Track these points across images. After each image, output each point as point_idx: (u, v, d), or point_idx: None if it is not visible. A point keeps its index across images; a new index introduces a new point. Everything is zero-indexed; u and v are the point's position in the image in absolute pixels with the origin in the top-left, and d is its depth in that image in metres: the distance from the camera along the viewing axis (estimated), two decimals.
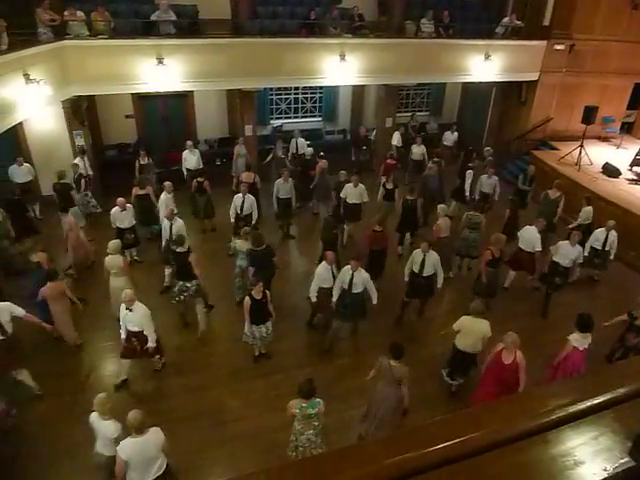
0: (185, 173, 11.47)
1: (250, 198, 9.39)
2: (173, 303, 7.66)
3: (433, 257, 7.54)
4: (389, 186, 10.40)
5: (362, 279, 7.06)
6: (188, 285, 7.37)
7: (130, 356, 6.56)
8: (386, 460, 1.01)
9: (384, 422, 5.51)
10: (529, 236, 8.54)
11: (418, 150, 12.86)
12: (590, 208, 9.72)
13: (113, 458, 4.48)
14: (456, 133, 14.15)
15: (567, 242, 8.18)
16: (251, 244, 7.71)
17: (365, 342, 7.80)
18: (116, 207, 8.78)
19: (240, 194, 9.36)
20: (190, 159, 11.47)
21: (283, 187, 10.23)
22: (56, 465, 5.60)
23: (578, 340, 6.00)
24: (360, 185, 9.84)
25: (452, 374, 6.76)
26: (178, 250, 7.31)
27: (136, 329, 6.33)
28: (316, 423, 5.05)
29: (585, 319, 6.01)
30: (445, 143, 14.20)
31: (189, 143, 11.59)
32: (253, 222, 9.32)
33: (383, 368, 5.44)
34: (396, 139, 13.83)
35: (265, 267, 7.65)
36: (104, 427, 4.76)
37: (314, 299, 7.32)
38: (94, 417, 4.81)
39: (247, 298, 6.59)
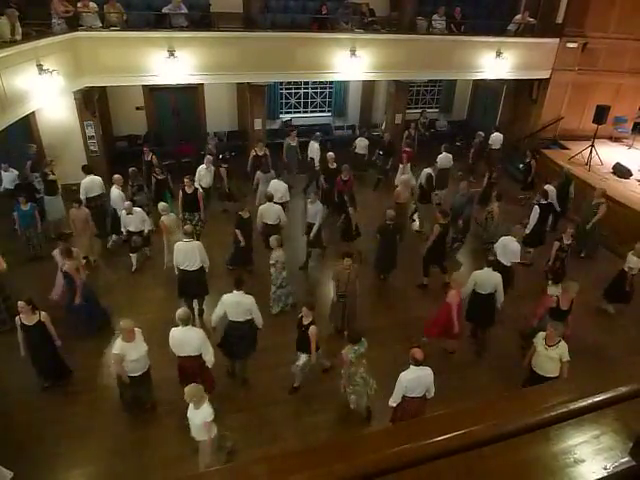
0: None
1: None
2: None
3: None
4: None
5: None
6: None
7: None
8: (387, 450, 1.04)
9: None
10: None
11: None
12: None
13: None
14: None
15: None
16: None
17: (384, 335, 7.75)
18: (123, 211, 8.74)
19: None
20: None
21: None
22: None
23: (554, 290, 7.04)
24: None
25: None
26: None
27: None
28: (364, 361, 5.89)
29: (560, 273, 7.63)
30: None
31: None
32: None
33: (341, 272, 7.09)
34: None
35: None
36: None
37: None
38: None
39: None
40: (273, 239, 7.65)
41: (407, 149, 12.28)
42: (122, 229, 8.87)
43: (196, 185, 9.78)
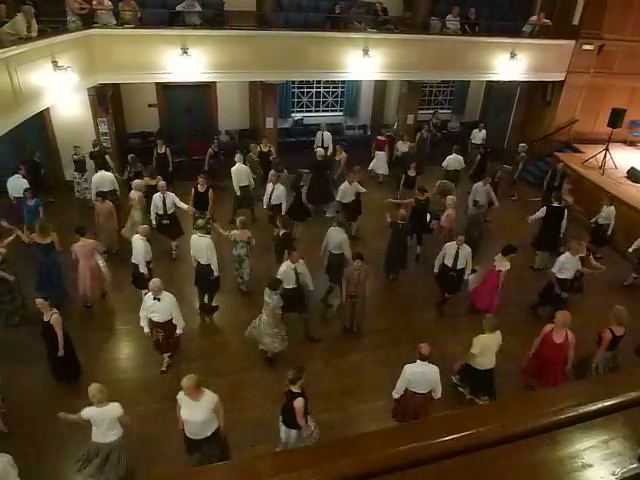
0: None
1: (280, 188, 9.52)
2: None
3: (466, 250, 7.81)
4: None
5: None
6: None
7: (157, 348, 6.68)
8: (393, 448, 1.03)
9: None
10: None
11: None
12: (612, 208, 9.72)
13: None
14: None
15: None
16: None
17: (391, 336, 7.81)
18: (136, 235, 7.69)
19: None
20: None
21: None
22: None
23: (498, 261, 7.71)
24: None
25: (475, 393, 6.54)
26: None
27: (161, 320, 6.30)
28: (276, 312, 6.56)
29: (509, 246, 7.64)
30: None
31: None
32: (283, 212, 9.44)
33: (351, 272, 7.14)
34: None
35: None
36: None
37: None
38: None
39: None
40: (238, 220, 8.02)
41: (379, 137, 13.07)
42: (142, 268, 7.60)
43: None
